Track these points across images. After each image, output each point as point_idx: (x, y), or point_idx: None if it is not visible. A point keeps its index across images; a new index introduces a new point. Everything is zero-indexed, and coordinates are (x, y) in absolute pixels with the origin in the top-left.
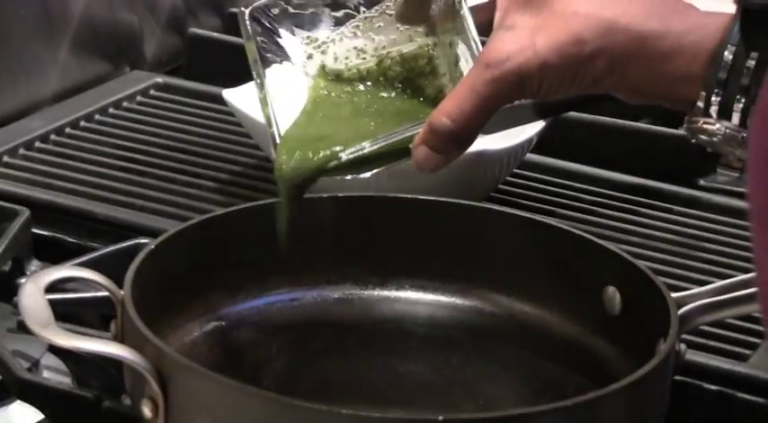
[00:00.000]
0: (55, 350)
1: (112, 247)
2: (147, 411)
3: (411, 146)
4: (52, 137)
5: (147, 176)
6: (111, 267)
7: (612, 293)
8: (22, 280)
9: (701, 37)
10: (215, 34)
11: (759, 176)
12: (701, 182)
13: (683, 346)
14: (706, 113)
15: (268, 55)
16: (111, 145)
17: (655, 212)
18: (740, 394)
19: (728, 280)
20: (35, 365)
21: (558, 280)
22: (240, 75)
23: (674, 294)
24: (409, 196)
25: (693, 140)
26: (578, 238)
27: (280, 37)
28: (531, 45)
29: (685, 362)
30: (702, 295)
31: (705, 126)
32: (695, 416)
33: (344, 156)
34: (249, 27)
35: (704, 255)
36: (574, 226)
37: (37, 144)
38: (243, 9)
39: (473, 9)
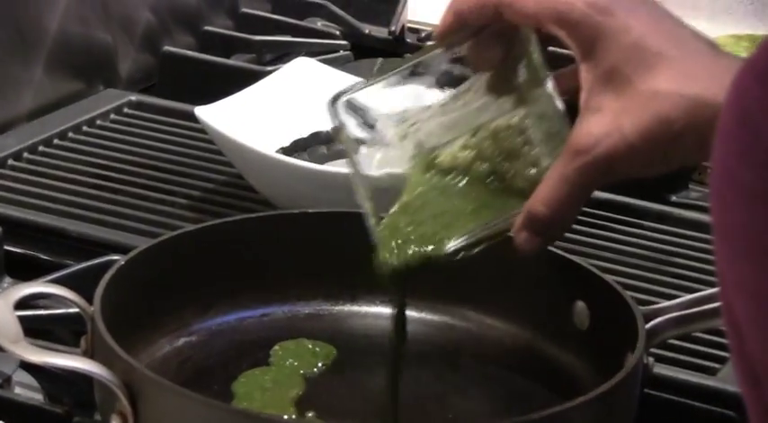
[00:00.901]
0: (27, 366)
1: (84, 264)
2: None
3: (512, 232)
4: (25, 155)
5: (120, 194)
6: (83, 284)
7: (581, 308)
8: None
9: None
10: (189, 52)
11: (716, 193)
12: (673, 198)
13: (650, 360)
14: None
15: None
16: (85, 163)
17: (625, 228)
18: (709, 407)
19: (696, 294)
20: (7, 381)
21: (528, 295)
22: (213, 92)
23: (641, 308)
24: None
25: None
26: (546, 252)
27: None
28: (617, 128)
29: (654, 375)
30: (670, 309)
31: None
32: None
33: (448, 249)
34: (340, 116)
35: (674, 270)
36: None
37: (10, 162)
38: (332, 101)
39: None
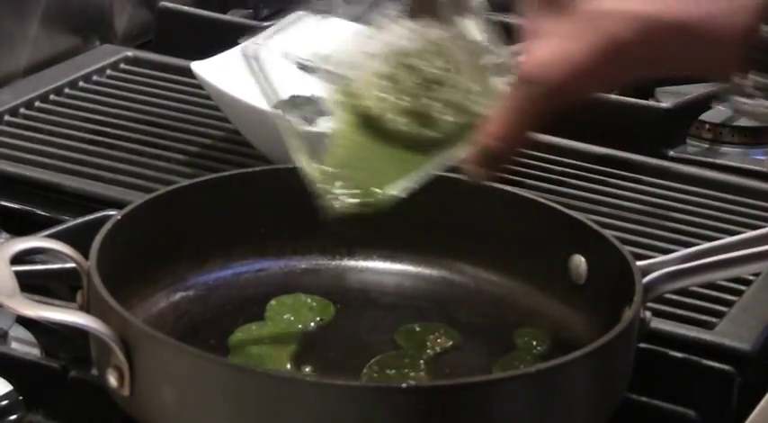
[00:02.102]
0: (23, 321)
1: (80, 220)
2: (112, 380)
3: (464, 165)
4: (21, 110)
5: (117, 149)
6: (79, 239)
7: (578, 262)
8: None
9: (739, 17)
10: (185, 8)
11: None
12: (671, 152)
13: (648, 314)
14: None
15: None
16: (81, 118)
17: (623, 183)
18: (706, 361)
19: (693, 248)
20: (3, 337)
21: (525, 249)
22: (209, 48)
23: (638, 262)
24: None
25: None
26: (544, 206)
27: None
28: (565, 53)
29: (651, 329)
30: (667, 263)
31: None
32: (661, 383)
33: (386, 194)
34: (256, 65)
35: (672, 224)
36: (542, 196)
37: (6, 118)
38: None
39: None
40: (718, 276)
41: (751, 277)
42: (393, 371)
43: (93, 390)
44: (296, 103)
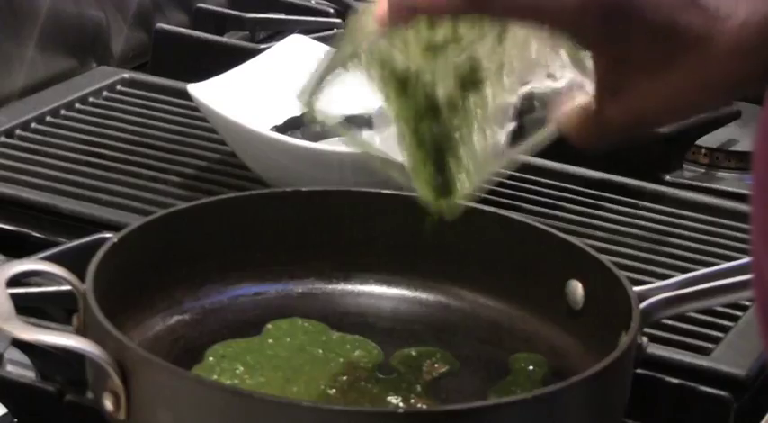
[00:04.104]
0: (18, 344)
1: (76, 242)
2: (108, 405)
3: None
4: (18, 132)
5: (113, 171)
6: (75, 262)
7: (575, 287)
8: None
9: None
10: (182, 29)
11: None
12: (667, 177)
13: (644, 340)
14: None
15: None
16: (77, 140)
17: (620, 208)
18: (702, 387)
19: (690, 273)
20: None
21: (522, 274)
22: (206, 70)
23: (636, 288)
24: (372, 191)
25: None
26: (541, 231)
27: None
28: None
29: (647, 355)
30: (665, 289)
31: None
32: (657, 409)
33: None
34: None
35: (669, 249)
36: (539, 221)
37: (2, 139)
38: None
39: None
40: (716, 302)
41: (747, 303)
42: (391, 395)
43: (89, 413)
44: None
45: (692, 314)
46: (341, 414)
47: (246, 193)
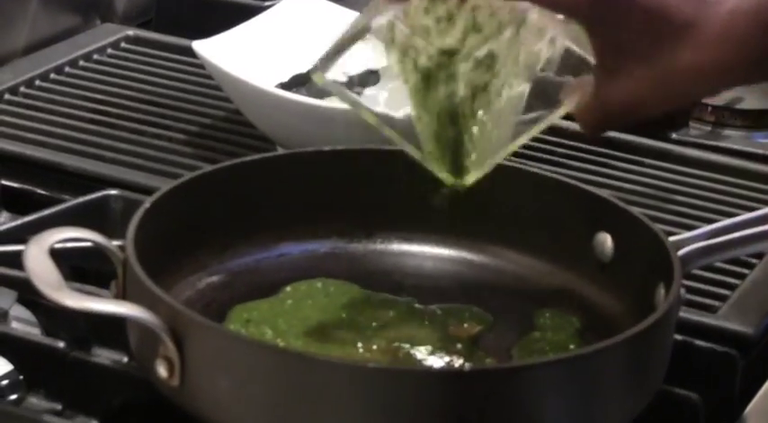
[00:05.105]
0: (24, 301)
1: (81, 199)
2: (162, 371)
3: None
4: (22, 89)
5: (117, 129)
6: (81, 219)
7: (603, 240)
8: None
9: None
10: None
11: None
12: (673, 135)
13: (683, 291)
14: None
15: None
16: (81, 97)
17: (626, 165)
18: (709, 345)
19: (718, 223)
20: (4, 316)
21: (547, 228)
22: (211, 27)
23: (670, 238)
24: (392, 148)
25: None
26: (566, 185)
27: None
28: None
29: None
30: (695, 239)
31: None
32: None
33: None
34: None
35: (674, 207)
36: None
37: (6, 96)
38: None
39: None
40: (746, 251)
41: (754, 261)
42: (436, 354)
43: (94, 370)
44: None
45: (698, 272)
46: (410, 375)
47: (270, 154)
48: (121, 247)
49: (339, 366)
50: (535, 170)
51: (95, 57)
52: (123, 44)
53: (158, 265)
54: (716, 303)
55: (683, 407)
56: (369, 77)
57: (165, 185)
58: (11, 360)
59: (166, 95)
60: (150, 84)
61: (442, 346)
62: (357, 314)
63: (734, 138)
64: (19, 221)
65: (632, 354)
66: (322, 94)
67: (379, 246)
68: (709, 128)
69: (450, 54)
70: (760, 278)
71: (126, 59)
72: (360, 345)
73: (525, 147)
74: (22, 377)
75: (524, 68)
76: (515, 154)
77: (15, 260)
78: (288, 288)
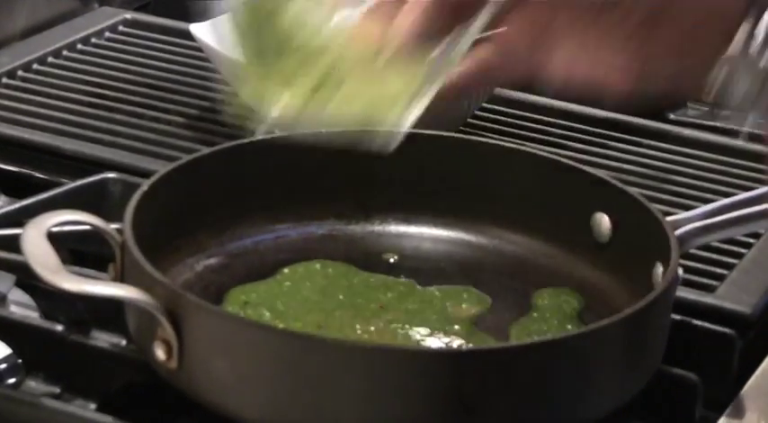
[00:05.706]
0: (22, 284)
1: (79, 182)
2: (160, 354)
3: None
4: (20, 73)
5: (115, 112)
6: (78, 202)
7: (600, 220)
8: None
9: None
10: None
11: None
12: (671, 116)
13: (680, 271)
14: None
15: None
16: (79, 81)
17: (623, 146)
18: (707, 325)
19: (715, 203)
20: (2, 300)
21: (546, 208)
22: (208, 10)
23: (668, 218)
24: (390, 130)
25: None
26: (564, 165)
27: None
28: None
29: None
30: (692, 219)
31: None
32: None
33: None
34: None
35: (672, 187)
36: None
37: (4, 80)
38: None
39: None
40: (742, 231)
41: (751, 240)
42: (434, 335)
43: (93, 353)
44: None
45: (696, 251)
46: (407, 354)
47: (267, 136)
48: (119, 230)
49: (337, 347)
50: (533, 151)
51: (93, 40)
52: (121, 27)
53: (156, 247)
54: (713, 283)
55: (680, 386)
56: None
57: (162, 168)
58: (9, 344)
59: (164, 78)
60: (148, 67)
61: (441, 327)
62: (355, 296)
63: (732, 118)
64: (17, 205)
65: (630, 333)
66: None
67: (377, 227)
68: (707, 108)
69: None
70: (757, 258)
71: (124, 43)
72: (358, 326)
73: (520, 127)
74: (20, 361)
75: None
76: (511, 134)
77: (13, 244)
78: (286, 270)
